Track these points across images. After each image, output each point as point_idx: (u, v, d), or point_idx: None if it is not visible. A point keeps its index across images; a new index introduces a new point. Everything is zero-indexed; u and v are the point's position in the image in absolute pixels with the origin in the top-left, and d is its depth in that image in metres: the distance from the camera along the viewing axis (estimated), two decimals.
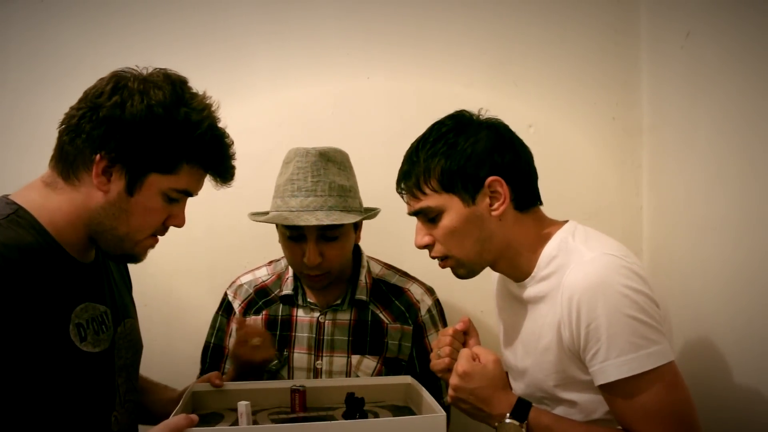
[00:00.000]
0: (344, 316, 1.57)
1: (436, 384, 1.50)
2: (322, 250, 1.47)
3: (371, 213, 1.55)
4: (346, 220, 1.44)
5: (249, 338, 1.42)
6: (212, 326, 1.65)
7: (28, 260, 1.02)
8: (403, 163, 1.26)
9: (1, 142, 1.85)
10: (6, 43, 1.85)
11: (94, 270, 1.18)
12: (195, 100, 1.12)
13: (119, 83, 1.10)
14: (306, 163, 1.47)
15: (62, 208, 1.10)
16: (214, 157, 1.15)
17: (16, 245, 1.01)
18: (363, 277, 1.59)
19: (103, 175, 1.08)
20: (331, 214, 1.43)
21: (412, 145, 1.26)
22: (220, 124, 1.16)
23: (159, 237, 1.18)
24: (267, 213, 1.54)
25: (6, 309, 0.98)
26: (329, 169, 1.47)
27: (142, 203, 1.10)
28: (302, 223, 1.42)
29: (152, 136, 1.07)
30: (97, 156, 1.07)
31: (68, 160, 1.10)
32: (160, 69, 1.14)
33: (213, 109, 1.15)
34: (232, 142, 1.18)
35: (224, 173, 1.18)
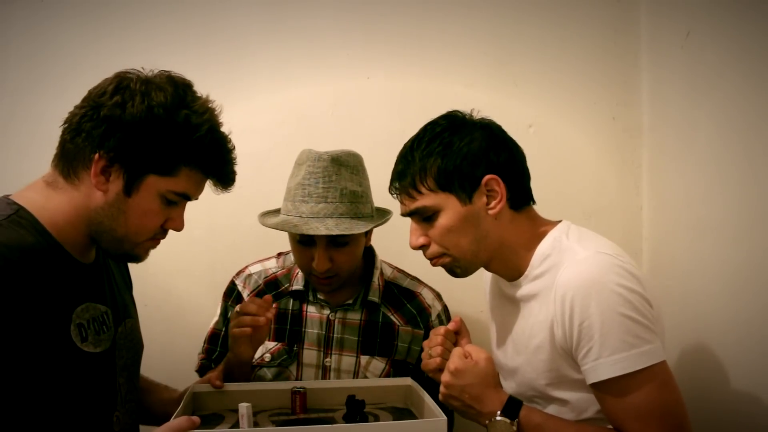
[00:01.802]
0: (355, 316, 1.56)
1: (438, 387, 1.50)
2: (331, 255, 1.46)
3: (382, 220, 1.53)
4: (355, 230, 1.42)
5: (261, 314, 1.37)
6: (221, 314, 1.62)
7: (29, 261, 1.02)
8: (396, 163, 1.26)
9: (1, 142, 1.85)
10: (6, 43, 1.85)
11: (95, 270, 1.18)
12: (197, 103, 1.12)
13: (122, 83, 1.10)
14: (318, 168, 1.45)
15: (62, 207, 1.10)
16: (214, 160, 1.14)
17: (17, 246, 1.01)
18: (376, 278, 1.59)
19: (101, 174, 1.08)
20: (341, 223, 1.42)
21: (406, 145, 1.25)
22: (223, 128, 1.16)
23: (160, 239, 1.18)
24: (278, 211, 1.54)
25: (7, 309, 0.98)
26: (341, 174, 1.45)
27: (140, 205, 1.10)
28: (311, 233, 1.40)
29: (151, 136, 1.07)
30: (96, 155, 1.07)
31: (69, 158, 1.10)
32: (165, 71, 1.14)
33: (216, 112, 1.15)
34: (234, 147, 1.18)
35: (224, 178, 1.17)
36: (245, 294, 1.61)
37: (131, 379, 1.24)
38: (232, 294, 1.63)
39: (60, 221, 1.09)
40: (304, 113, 1.90)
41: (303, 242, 1.47)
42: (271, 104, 1.90)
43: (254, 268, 1.64)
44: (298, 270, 1.59)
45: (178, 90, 1.11)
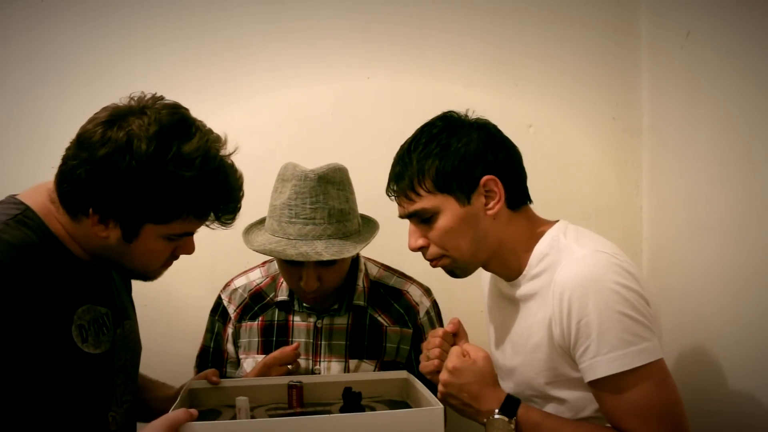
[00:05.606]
0: (341, 321, 1.55)
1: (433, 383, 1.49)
2: (320, 274, 1.44)
3: (370, 239, 1.49)
4: (345, 254, 1.40)
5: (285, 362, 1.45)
6: (210, 330, 1.62)
7: (34, 261, 1.03)
8: (394, 166, 1.25)
9: (1, 142, 1.85)
10: (6, 43, 1.85)
11: (98, 270, 1.18)
12: (185, 148, 1.05)
13: (106, 134, 1.05)
14: (305, 187, 1.41)
15: (67, 227, 1.10)
16: (207, 207, 1.12)
17: (22, 245, 1.03)
18: (360, 281, 1.57)
19: (99, 224, 1.07)
20: (330, 246, 1.40)
21: (403, 147, 1.25)
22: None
23: (172, 262, 1.18)
24: (260, 223, 1.52)
25: (11, 308, 0.99)
26: (329, 193, 1.42)
27: (143, 247, 1.10)
28: (301, 259, 1.38)
29: (140, 191, 1.05)
30: (90, 210, 1.06)
31: (67, 201, 1.09)
32: (159, 101, 1.10)
33: (213, 146, 1.09)
34: (239, 182, 1.15)
35: (221, 221, 1.15)
36: (231, 309, 1.60)
37: (128, 379, 1.24)
38: (218, 310, 1.62)
39: (64, 235, 1.10)
40: (304, 113, 1.90)
41: (291, 262, 1.44)
42: (271, 104, 1.90)
43: (239, 282, 1.63)
44: (282, 279, 1.57)
45: (164, 138, 1.04)
